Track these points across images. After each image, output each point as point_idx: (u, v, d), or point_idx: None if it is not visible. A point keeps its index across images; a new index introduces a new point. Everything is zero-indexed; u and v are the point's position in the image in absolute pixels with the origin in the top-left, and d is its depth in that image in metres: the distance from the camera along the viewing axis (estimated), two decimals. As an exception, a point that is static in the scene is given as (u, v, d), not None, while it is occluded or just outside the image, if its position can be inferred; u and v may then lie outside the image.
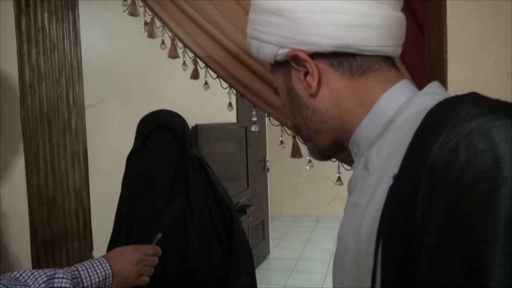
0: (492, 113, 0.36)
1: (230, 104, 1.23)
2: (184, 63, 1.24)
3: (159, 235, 0.96)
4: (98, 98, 1.95)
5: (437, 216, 0.35)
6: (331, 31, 0.52)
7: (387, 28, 0.53)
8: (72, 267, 0.81)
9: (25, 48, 1.25)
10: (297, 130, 0.63)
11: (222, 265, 1.20)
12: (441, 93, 0.51)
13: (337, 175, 1.08)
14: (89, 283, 0.80)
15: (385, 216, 0.43)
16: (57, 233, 1.32)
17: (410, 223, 0.38)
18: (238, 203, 3.24)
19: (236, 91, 1.16)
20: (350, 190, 0.58)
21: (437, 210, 0.35)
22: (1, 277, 0.71)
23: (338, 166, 1.08)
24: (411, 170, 0.40)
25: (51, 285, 0.74)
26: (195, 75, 1.23)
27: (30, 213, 1.31)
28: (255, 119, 1.19)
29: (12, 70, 1.29)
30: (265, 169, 4.27)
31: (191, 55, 1.19)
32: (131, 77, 2.23)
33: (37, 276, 0.74)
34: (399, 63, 0.86)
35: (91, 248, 1.39)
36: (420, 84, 0.55)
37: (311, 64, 0.54)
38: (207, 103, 3.06)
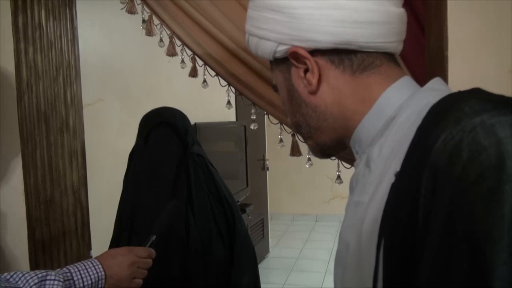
0: (496, 109, 0.35)
1: (229, 102, 1.23)
2: (183, 61, 1.23)
3: (153, 237, 0.95)
4: (96, 97, 1.95)
5: (440, 214, 0.35)
6: (331, 27, 0.51)
7: (388, 24, 0.52)
8: (64, 269, 0.80)
9: (22, 46, 1.24)
10: (297, 128, 0.62)
11: (225, 262, 1.20)
12: (443, 89, 0.50)
13: (337, 173, 1.08)
14: (81, 285, 0.79)
15: (387, 214, 0.42)
16: (55, 232, 1.31)
17: (412, 221, 0.38)
18: (238, 202, 3.24)
19: (235, 89, 1.15)
20: (351, 189, 0.58)
21: (440, 208, 0.35)
22: None
23: (338, 164, 1.08)
24: (413, 167, 0.40)
25: (42, 287, 0.73)
26: (193, 73, 1.22)
27: (28, 212, 1.30)
28: (254, 117, 1.18)
29: (9, 68, 1.28)
30: (264, 168, 4.27)
31: (190, 53, 1.18)
32: (129, 75, 2.23)
33: (28, 278, 0.73)
34: (399, 61, 0.85)
35: (89, 247, 1.39)
36: (419, 81, 0.54)
37: (311, 61, 0.54)
38: (206, 102, 3.05)
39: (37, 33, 1.25)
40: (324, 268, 3.88)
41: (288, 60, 0.56)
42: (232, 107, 1.25)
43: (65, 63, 1.30)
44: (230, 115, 3.51)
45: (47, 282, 0.74)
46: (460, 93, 0.42)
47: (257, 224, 3.95)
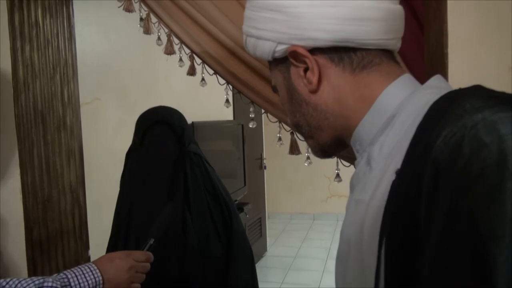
0: (497, 106, 0.35)
1: (227, 100, 1.22)
2: (181, 59, 1.23)
3: (151, 241, 0.94)
4: (93, 96, 1.94)
5: (442, 211, 0.35)
6: (331, 25, 0.51)
7: (387, 21, 0.52)
8: (61, 274, 0.79)
9: (18, 44, 1.23)
10: (297, 128, 0.62)
11: (222, 261, 1.20)
12: (444, 86, 0.50)
13: (336, 171, 1.07)
14: None
15: (388, 212, 0.42)
16: (53, 232, 1.30)
17: (414, 218, 0.38)
18: (236, 201, 3.24)
19: (234, 88, 1.15)
20: (352, 187, 0.58)
21: (442, 205, 0.35)
22: None
23: (337, 162, 1.07)
24: (414, 164, 0.39)
25: None
26: (191, 72, 1.22)
27: (25, 212, 1.29)
28: (253, 115, 1.18)
29: (5, 66, 1.27)
30: (261, 167, 4.27)
31: (188, 51, 1.18)
32: (126, 74, 2.22)
33: (24, 285, 0.72)
34: (398, 59, 0.85)
35: (87, 247, 1.38)
36: (418, 79, 0.54)
37: (311, 60, 0.53)
38: (204, 101, 3.05)
39: (34, 31, 1.24)
40: (322, 266, 3.89)
41: (287, 59, 0.56)
42: (230, 105, 1.24)
43: (62, 62, 1.29)
44: (227, 114, 3.50)
45: None
46: (461, 90, 0.42)
47: (255, 223, 3.95)
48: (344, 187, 4.95)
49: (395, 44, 0.55)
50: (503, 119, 0.34)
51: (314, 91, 0.55)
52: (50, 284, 0.74)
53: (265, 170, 4.37)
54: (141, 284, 0.90)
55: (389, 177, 0.44)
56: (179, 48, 1.21)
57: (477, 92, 0.39)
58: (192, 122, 2.63)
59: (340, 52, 0.53)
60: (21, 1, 1.23)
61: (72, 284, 0.78)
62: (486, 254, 0.31)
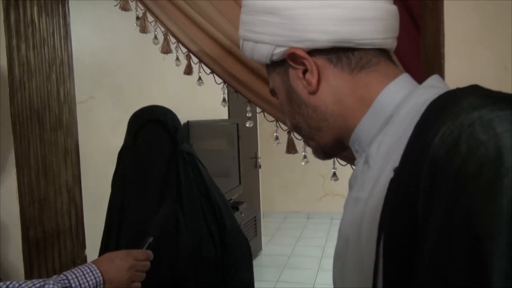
0: (494, 104, 0.36)
1: (224, 99, 1.22)
2: (177, 59, 1.22)
3: (150, 239, 0.94)
4: (89, 95, 1.93)
5: (440, 208, 0.35)
6: (328, 26, 0.51)
7: (383, 21, 0.53)
8: (61, 275, 0.78)
9: (14, 43, 1.23)
10: (297, 130, 0.62)
11: (216, 261, 1.20)
12: (441, 86, 0.51)
13: (333, 170, 1.08)
14: None
15: (387, 209, 0.43)
16: (49, 231, 1.30)
17: (411, 215, 0.38)
18: (231, 199, 3.24)
19: (231, 87, 1.15)
20: (350, 186, 0.58)
21: (439, 202, 0.35)
22: None
23: (333, 161, 1.08)
24: (412, 162, 0.40)
25: None
26: (188, 71, 1.22)
27: (21, 212, 1.28)
28: (250, 114, 1.18)
29: (1, 65, 1.26)
30: (256, 166, 4.27)
31: (184, 50, 1.18)
32: (122, 73, 2.21)
33: None
34: (394, 59, 0.86)
35: (83, 246, 1.38)
36: (415, 79, 0.55)
37: (309, 61, 0.54)
38: (199, 100, 3.04)
39: (30, 30, 1.23)
40: (317, 265, 3.90)
41: (286, 62, 0.56)
42: (227, 104, 1.24)
43: (58, 60, 1.28)
44: (222, 113, 3.50)
45: None
46: (458, 90, 0.42)
47: (250, 222, 3.95)
48: (338, 186, 4.96)
49: (391, 43, 0.56)
50: (499, 117, 0.34)
51: (313, 92, 0.55)
52: (51, 286, 0.73)
53: (260, 169, 4.38)
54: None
55: (387, 175, 0.44)
56: (176, 47, 1.21)
57: (474, 91, 0.40)
58: (188, 121, 2.63)
59: (338, 53, 0.53)
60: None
61: (73, 285, 0.77)
62: (482, 251, 0.31)
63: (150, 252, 0.92)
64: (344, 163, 1.07)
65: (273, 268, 3.91)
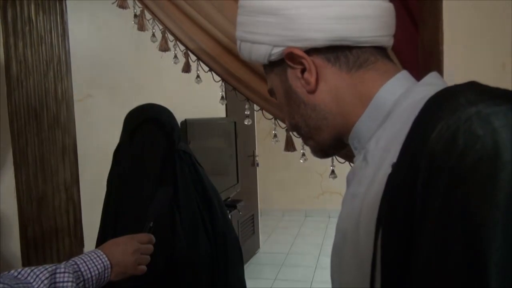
0: (492, 100, 0.36)
1: (222, 97, 1.22)
2: (175, 56, 1.22)
3: (151, 224, 0.96)
4: (87, 93, 1.92)
5: (437, 202, 0.35)
6: (325, 25, 0.52)
7: (380, 18, 0.53)
8: (70, 261, 0.80)
9: (11, 41, 1.22)
10: (296, 129, 0.62)
11: (211, 260, 1.20)
12: (440, 83, 0.51)
13: (331, 168, 1.08)
14: (89, 276, 0.79)
15: (384, 204, 0.43)
16: (47, 230, 1.29)
17: (409, 209, 0.38)
18: (228, 198, 3.24)
19: (229, 85, 1.15)
20: (348, 182, 0.58)
21: (436, 196, 0.35)
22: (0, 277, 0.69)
23: (332, 159, 1.08)
24: (410, 157, 0.40)
25: (53, 281, 0.73)
26: (186, 69, 1.21)
27: (19, 210, 1.28)
28: (248, 112, 1.18)
29: (-2, 63, 1.25)
30: (254, 164, 4.27)
31: (182, 48, 1.17)
32: (120, 71, 2.20)
33: (38, 273, 0.73)
34: (392, 56, 0.86)
35: (82, 244, 1.37)
36: (413, 76, 0.55)
37: (308, 60, 0.54)
38: (196, 98, 3.04)
39: (27, 28, 1.23)
40: (315, 262, 3.91)
41: (284, 62, 0.56)
42: (225, 102, 1.24)
43: (56, 58, 1.28)
44: (220, 111, 3.50)
45: (57, 275, 0.74)
46: (456, 86, 0.43)
47: (248, 220, 3.96)
48: (336, 184, 4.97)
49: (388, 41, 0.56)
50: (497, 112, 0.34)
51: (312, 92, 0.55)
52: (62, 270, 0.75)
53: (257, 167, 4.38)
54: (129, 283, 0.91)
55: (385, 170, 0.44)
56: (174, 45, 1.20)
57: (472, 88, 0.40)
58: (185, 119, 2.63)
59: (336, 52, 0.54)
60: (14, -3, 1.21)
61: (82, 269, 0.79)
62: (479, 243, 0.32)
63: (152, 236, 0.95)
64: (342, 160, 1.07)
65: (271, 265, 3.92)
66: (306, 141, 0.63)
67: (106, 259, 0.83)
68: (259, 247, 4.34)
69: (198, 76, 1.20)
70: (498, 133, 0.33)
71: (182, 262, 1.14)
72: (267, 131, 4.77)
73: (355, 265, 0.49)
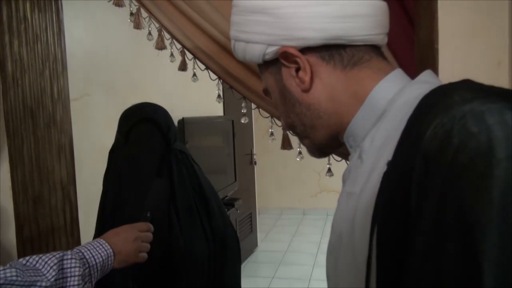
0: (486, 97, 0.36)
1: (219, 95, 1.22)
2: (172, 55, 1.22)
3: (148, 213, 0.98)
4: (83, 92, 1.92)
5: (432, 200, 0.35)
6: (319, 23, 0.52)
7: (374, 17, 0.53)
8: (75, 250, 0.82)
9: (6, 39, 1.21)
10: (292, 129, 0.62)
11: (208, 260, 1.19)
12: (434, 81, 0.51)
13: (327, 166, 1.09)
14: (93, 262, 0.81)
15: (380, 202, 0.43)
16: (44, 229, 1.29)
17: (404, 208, 0.38)
18: (226, 196, 3.24)
19: (226, 83, 1.15)
20: (344, 181, 0.58)
21: (432, 194, 0.36)
22: (9, 264, 0.70)
23: (329, 157, 1.08)
24: (405, 155, 0.40)
25: (61, 267, 0.75)
26: (183, 67, 1.21)
27: (15, 210, 1.28)
28: (245, 110, 1.18)
29: (-7, 62, 1.24)
30: (252, 163, 4.27)
31: (179, 46, 1.17)
32: (116, 70, 2.19)
33: (46, 260, 0.74)
34: (388, 54, 0.87)
35: (79, 243, 1.37)
36: (408, 74, 0.55)
37: (302, 59, 0.54)
38: (194, 97, 3.04)
39: (22, 26, 1.22)
40: (312, 261, 3.92)
41: (278, 61, 0.57)
42: (222, 100, 1.24)
43: (51, 57, 1.27)
44: (217, 110, 3.49)
45: (65, 261, 0.76)
46: (450, 84, 0.43)
47: (245, 218, 3.96)
48: (333, 182, 4.98)
49: (382, 39, 0.56)
50: (491, 110, 0.34)
51: (307, 90, 0.55)
52: (69, 256, 0.77)
53: (255, 166, 4.38)
54: (127, 283, 0.92)
55: (381, 168, 0.44)
56: (170, 43, 1.20)
57: (467, 85, 0.40)
58: (183, 118, 2.62)
59: (330, 50, 0.54)
60: (9, -5, 1.20)
61: (87, 256, 0.81)
62: (474, 241, 0.32)
63: (150, 224, 0.97)
64: (339, 158, 1.07)
65: (269, 264, 3.92)
66: (302, 140, 0.63)
67: (109, 247, 0.85)
68: (257, 245, 4.34)
69: (194, 75, 1.20)
70: (493, 130, 0.33)
71: (179, 261, 1.13)
72: (264, 129, 4.76)
73: (351, 264, 0.49)
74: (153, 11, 1.13)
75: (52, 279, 0.72)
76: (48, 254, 0.76)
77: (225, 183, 3.21)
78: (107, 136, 2.05)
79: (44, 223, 1.28)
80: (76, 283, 0.75)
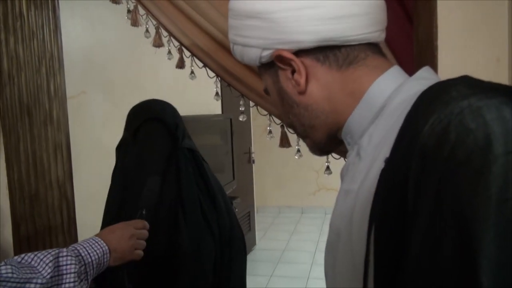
0: (483, 93, 0.36)
1: (217, 93, 1.22)
2: (169, 52, 1.21)
3: (143, 211, 0.98)
4: (80, 90, 1.91)
5: (429, 196, 0.35)
6: (311, 26, 0.51)
7: (367, 15, 0.53)
8: (70, 247, 0.82)
9: (2, 36, 1.20)
10: (293, 128, 0.63)
11: (215, 259, 1.19)
12: (432, 77, 0.51)
13: (326, 164, 1.08)
14: (89, 260, 0.81)
15: (378, 199, 0.43)
16: (41, 228, 1.28)
17: (402, 204, 0.38)
18: (224, 195, 3.23)
19: (224, 81, 1.14)
20: (342, 178, 0.58)
21: (428, 190, 0.35)
22: (4, 262, 0.70)
23: (327, 155, 1.08)
24: (402, 152, 0.40)
25: (57, 264, 0.74)
26: (180, 65, 1.20)
27: (12, 208, 1.27)
28: (243, 108, 1.17)
29: (-11, 59, 1.24)
30: (250, 161, 4.27)
31: (176, 43, 1.16)
32: (113, 67, 2.19)
33: (41, 257, 0.74)
34: (387, 51, 0.86)
35: (76, 242, 1.36)
36: (407, 71, 0.55)
37: (296, 62, 0.54)
38: (191, 95, 3.03)
39: (18, 23, 1.21)
40: (311, 259, 3.92)
41: (275, 63, 0.57)
42: (220, 98, 1.24)
43: (48, 54, 1.26)
44: (215, 108, 3.49)
45: (60, 259, 0.76)
46: (448, 80, 0.42)
47: (244, 217, 3.96)
48: (332, 181, 4.98)
49: (378, 36, 0.55)
50: (488, 105, 0.34)
51: (303, 92, 0.56)
52: (65, 253, 0.77)
53: (253, 164, 4.38)
54: (133, 278, 0.92)
55: (378, 166, 0.44)
56: (168, 40, 1.19)
57: (464, 81, 0.40)
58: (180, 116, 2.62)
59: (324, 51, 0.53)
60: (5, -9, 1.19)
61: (83, 254, 0.81)
62: (471, 237, 0.32)
63: (146, 222, 0.97)
64: (337, 156, 1.07)
65: (267, 262, 3.93)
66: (303, 139, 0.64)
67: (104, 244, 0.85)
68: (255, 244, 4.34)
69: (192, 72, 1.19)
70: (490, 126, 0.33)
71: (183, 261, 1.13)
72: (263, 128, 4.76)
73: (349, 262, 0.49)
74: (151, 8, 1.12)
75: (48, 276, 0.72)
76: (43, 252, 0.76)
77: (223, 181, 3.20)
78: (104, 133, 2.05)
79: (41, 222, 1.28)
80: (72, 280, 0.75)
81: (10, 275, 0.67)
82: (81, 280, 0.78)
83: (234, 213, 1.30)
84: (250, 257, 4.05)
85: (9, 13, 1.20)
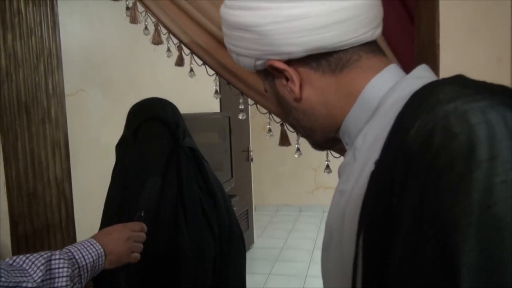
0: (471, 96, 0.35)
1: (216, 91, 1.21)
2: (168, 50, 1.20)
3: (141, 213, 0.97)
4: (78, 87, 1.90)
5: (412, 201, 0.35)
6: (300, 38, 0.51)
7: (356, 18, 0.51)
8: (65, 249, 0.80)
9: (0, 33, 1.19)
10: (294, 129, 0.65)
11: (215, 258, 1.19)
12: (428, 76, 0.50)
13: (326, 163, 1.08)
14: (83, 263, 0.79)
15: (366, 202, 0.43)
16: (39, 226, 1.28)
17: (388, 209, 0.38)
18: (223, 193, 3.23)
19: (223, 79, 1.13)
20: (339, 176, 0.59)
21: (411, 195, 0.35)
22: None
23: (327, 154, 1.08)
24: (390, 155, 0.40)
25: (48, 267, 0.73)
26: (179, 62, 1.20)
27: (10, 207, 1.26)
28: (243, 106, 1.17)
29: (-14, 56, 1.22)
30: (248, 159, 4.27)
31: (176, 41, 1.16)
32: (112, 65, 2.18)
33: (33, 260, 0.73)
34: (388, 51, 0.86)
35: (74, 241, 1.36)
36: (409, 69, 0.54)
37: (289, 71, 0.54)
38: (190, 93, 3.02)
39: (16, 20, 1.20)
40: (308, 257, 3.93)
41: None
42: (219, 96, 1.23)
43: (46, 51, 1.25)
44: (214, 106, 3.48)
45: (53, 261, 0.74)
46: (441, 80, 0.42)
47: (242, 215, 3.96)
48: (330, 179, 4.98)
49: (371, 35, 0.54)
50: (473, 109, 0.34)
51: (298, 99, 0.56)
52: (57, 256, 0.75)
53: (252, 163, 4.38)
54: (133, 278, 0.91)
55: (370, 167, 0.44)
56: (167, 38, 1.19)
57: (455, 82, 0.40)
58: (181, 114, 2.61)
59: (317, 58, 0.53)
60: (2, -12, 1.18)
61: (77, 257, 0.79)
62: (452, 244, 0.31)
63: (143, 224, 0.96)
64: (337, 155, 1.06)
65: (265, 261, 3.93)
66: (305, 138, 0.65)
67: (100, 247, 0.84)
68: (253, 242, 4.34)
69: (191, 70, 1.18)
70: (475, 130, 0.33)
71: (183, 261, 1.13)
72: (261, 126, 4.76)
73: (339, 262, 0.49)
74: (150, 5, 1.11)
75: (39, 280, 0.70)
76: (35, 254, 0.74)
77: (222, 179, 3.19)
78: (103, 131, 2.04)
79: (39, 220, 1.27)
80: (64, 284, 0.73)
81: None
82: (74, 284, 0.77)
83: (233, 212, 1.30)
84: (248, 255, 4.04)
85: (6, 9, 1.19)
